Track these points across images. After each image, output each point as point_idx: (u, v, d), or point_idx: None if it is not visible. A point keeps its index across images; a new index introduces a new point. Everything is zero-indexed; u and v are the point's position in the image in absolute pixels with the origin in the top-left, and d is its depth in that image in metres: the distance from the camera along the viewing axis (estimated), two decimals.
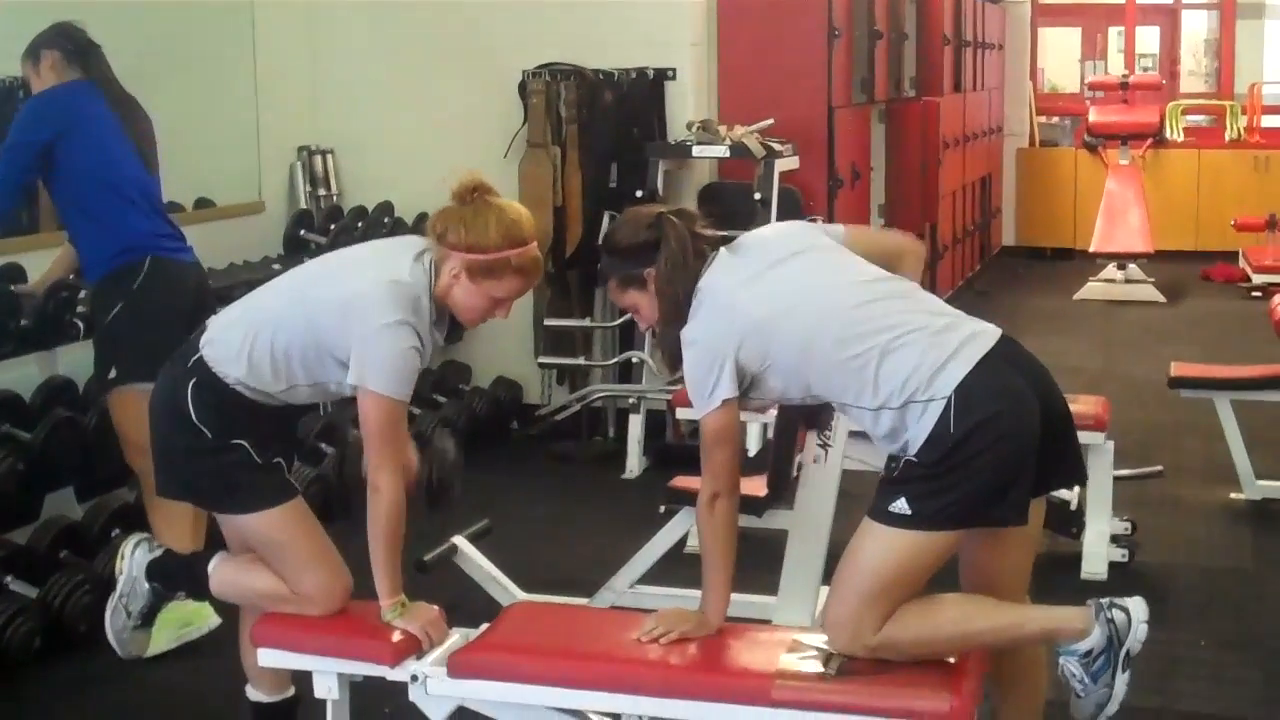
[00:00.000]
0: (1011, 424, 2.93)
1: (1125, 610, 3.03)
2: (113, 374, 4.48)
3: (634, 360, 6.72)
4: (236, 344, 3.28)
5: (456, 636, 3.25)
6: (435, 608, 3.28)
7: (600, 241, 3.37)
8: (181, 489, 3.52)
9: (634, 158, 6.72)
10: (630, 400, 6.54)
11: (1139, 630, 3.02)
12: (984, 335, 3.03)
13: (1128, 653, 3.01)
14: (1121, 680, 3.01)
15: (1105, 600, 3.05)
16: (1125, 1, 13.77)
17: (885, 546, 2.95)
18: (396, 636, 3.18)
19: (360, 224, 6.76)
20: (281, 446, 3.41)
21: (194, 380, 3.29)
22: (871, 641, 2.96)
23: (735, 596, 3.17)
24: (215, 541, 3.65)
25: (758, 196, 6.51)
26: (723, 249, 3.20)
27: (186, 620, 4.35)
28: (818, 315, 3.04)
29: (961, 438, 2.88)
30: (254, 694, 3.57)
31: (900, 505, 2.93)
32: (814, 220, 6.67)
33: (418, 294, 3.22)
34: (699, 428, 3.15)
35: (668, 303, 3.14)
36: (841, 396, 3.05)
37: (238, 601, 3.52)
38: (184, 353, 3.38)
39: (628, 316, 4.34)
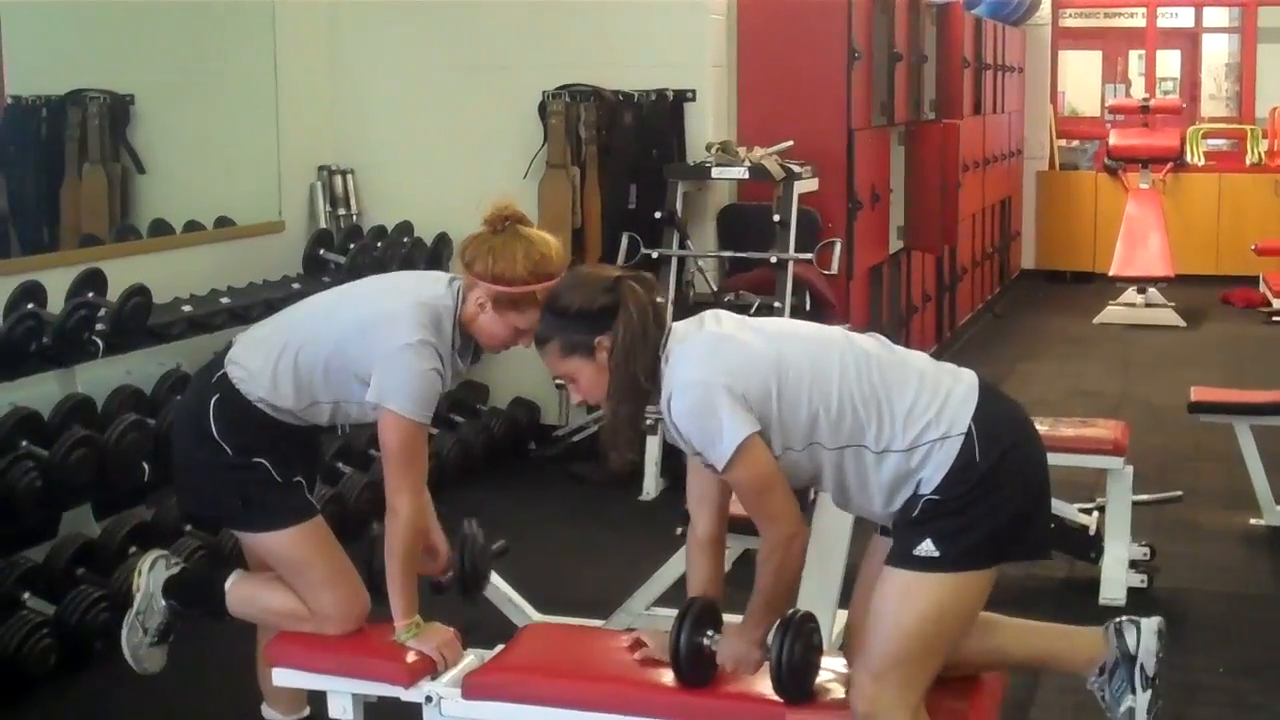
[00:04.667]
0: (1031, 452, 2.90)
1: (1135, 623, 3.04)
2: None
3: None
4: (261, 362, 3.29)
5: (471, 658, 3.25)
6: (450, 629, 3.28)
7: (545, 302, 3.02)
8: (201, 506, 3.52)
9: (653, 179, 6.72)
10: (647, 421, 6.52)
11: (1148, 641, 3.00)
12: (967, 373, 2.95)
13: (1142, 667, 2.99)
14: (1143, 699, 2.98)
15: (1121, 618, 3.05)
16: (1146, 25, 13.74)
17: (917, 596, 2.78)
18: (411, 657, 3.17)
19: (380, 243, 6.77)
20: (303, 466, 3.41)
21: (217, 396, 3.30)
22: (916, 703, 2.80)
23: None
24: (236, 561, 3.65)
25: (777, 218, 6.50)
26: (687, 320, 2.96)
27: None
28: (815, 348, 2.90)
29: (989, 468, 2.79)
30: (269, 713, 3.58)
31: (926, 547, 2.77)
32: (832, 243, 6.69)
33: (441, 316, 3.23)
34: (730, 480, 2.85)
35: (623, 377, 2.86)
36: (841, 440, 2.83)
37: (254, 620, 3.52)
38: (208, 368, 3.39)
39: None
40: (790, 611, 2.94)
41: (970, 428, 2.81)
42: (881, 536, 3.01)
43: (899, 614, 2.79)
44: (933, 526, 2.78)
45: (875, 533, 3.06)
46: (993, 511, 2.79)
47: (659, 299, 2.96)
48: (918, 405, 2.83)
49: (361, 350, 3.22)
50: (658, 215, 6.57)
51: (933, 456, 2.80)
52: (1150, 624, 3.04)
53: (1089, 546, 5.09)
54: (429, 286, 3.29)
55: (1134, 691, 2.99)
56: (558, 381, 6.91)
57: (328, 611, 3.30)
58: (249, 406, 3.30)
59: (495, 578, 4.39)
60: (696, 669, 2.99)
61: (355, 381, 3.26)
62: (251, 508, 3.32)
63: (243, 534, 3.44)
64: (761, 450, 2.80)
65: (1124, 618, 3.06)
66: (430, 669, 3.18)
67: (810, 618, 2.94)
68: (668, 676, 3.04)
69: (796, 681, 2.89)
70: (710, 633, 2.98)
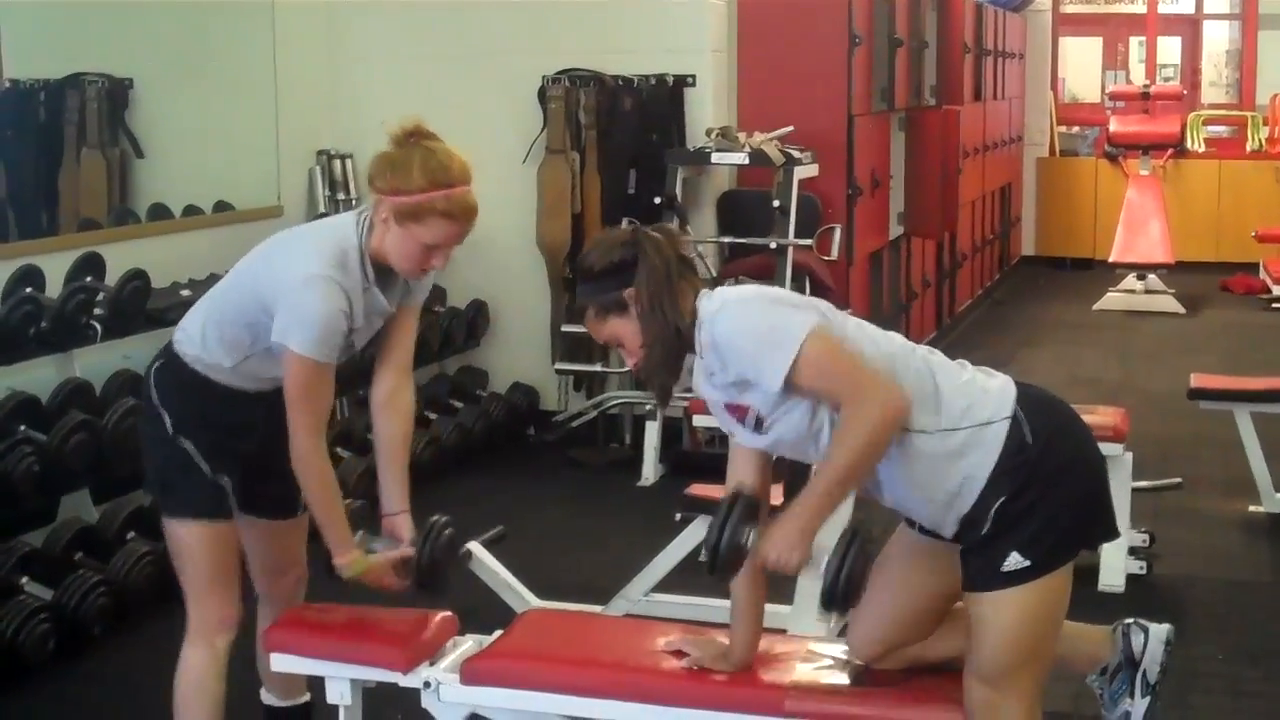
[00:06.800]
0: (1080, 433, 2.84)
1: (1145, 629, 3.01)
2: None
3: None
4: (197, 320, 3.29)
5: (470, 643, 3.24)
6: (384, 556, 3.26)
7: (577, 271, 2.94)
8: (146, 481, 3.52)
9: (653, 164, 6.71)
10: (647, 407, 6.53)
11: (1155, 651, 2.98)
12: (1001, 374, 2.89)
13: (1144, 674, 2.97)
14: (1140, 705, 2.96)
15: (1130, 620, 3.03)
16: (1147, 11, 13.72)
17: (1016, 606, 2.72)
18: (408, 641, 3.17)
19: None
20: (239, 472, 3.30)
21: (160, 363, 3.33)
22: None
23: None
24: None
25: (776, 204, 6.49)
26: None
27: None
28: (865, 324, 2.87)
29: (1041, 452, 2.73)
30: (268, 698, 3.58)
31: (1015, 560, 2.70)
32: (832, 229, 6.68)
33: (345, 247, 3.15)
34: (789, 382, 2.69)
35: (656, 323, 2.80)
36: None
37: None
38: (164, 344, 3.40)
39: None
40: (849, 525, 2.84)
41: (1015, 411, 2.75)
42: (910, 529, 2.96)
43: (1005, 626, 2.74)
44: (1013, 537, 2.71)
45: (902, 523, 3.00)
46: (1062, 504, 2.74)
47: (685, 251, 2.92)
48: (959, 388, 2.77)
49: (270, 290, 3.15)
50: (657, 200, 6.56)
51: (980, 442, 2.73)
52: (1159, 631, 3.00)
53: None
54: (333, 224, 3.24)
55: (1133, 697, 2.97)
56: (558, 368, 6.97)
57: (190, 615, 3.31)
58: (185, 369, 3.26)
59: (494, 562, 4.40)
60: (734, 568, 2.84)
61: (271, 326, 3.19)
62: (167, 488, 3.30)
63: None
64: (829, 334, 2.72)
65: (1133, 621, 3.03)
66: (429, 654, 3.17)
67: (869, 535, 2.82)
68: (669, 663, 3.03)
69: (849, 596, 2.77)
70: (749, 530, 2.80)
